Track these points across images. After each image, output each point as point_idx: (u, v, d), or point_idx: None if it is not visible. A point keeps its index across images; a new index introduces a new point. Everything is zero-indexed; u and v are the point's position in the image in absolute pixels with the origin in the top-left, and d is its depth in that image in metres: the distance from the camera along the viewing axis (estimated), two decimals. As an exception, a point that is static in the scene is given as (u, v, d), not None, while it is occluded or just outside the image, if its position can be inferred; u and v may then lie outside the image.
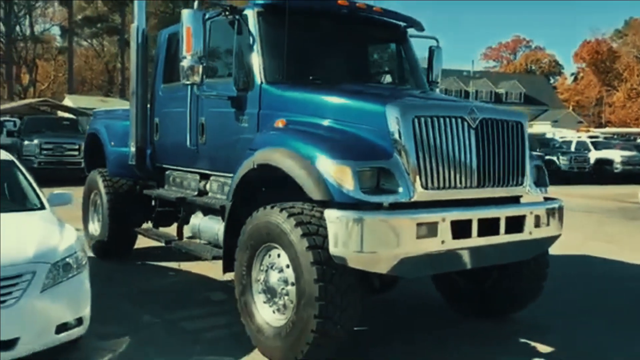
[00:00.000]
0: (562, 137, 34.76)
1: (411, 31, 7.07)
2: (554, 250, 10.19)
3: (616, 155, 28.66)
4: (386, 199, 4.60)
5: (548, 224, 5.43)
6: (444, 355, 5.33)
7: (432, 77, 7.31)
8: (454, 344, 5.59)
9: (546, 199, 5.79)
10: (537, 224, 5.31)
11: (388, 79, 7.16)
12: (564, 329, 6.13)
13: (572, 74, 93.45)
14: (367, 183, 4.55)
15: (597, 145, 30.35)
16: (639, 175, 26.91)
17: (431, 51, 7.31)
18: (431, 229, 4.56)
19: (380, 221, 4.45)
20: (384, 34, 6.92)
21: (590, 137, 34.89)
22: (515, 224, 5.15)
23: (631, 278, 8.70)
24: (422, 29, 6.95)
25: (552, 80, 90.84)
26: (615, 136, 40.08)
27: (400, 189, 4.63)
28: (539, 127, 57.73)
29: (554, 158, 27.62)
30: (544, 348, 5.56)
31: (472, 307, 6.31)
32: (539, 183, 5.72)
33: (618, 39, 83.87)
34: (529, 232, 5.24)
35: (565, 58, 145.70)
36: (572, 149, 30.42)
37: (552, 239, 5.64)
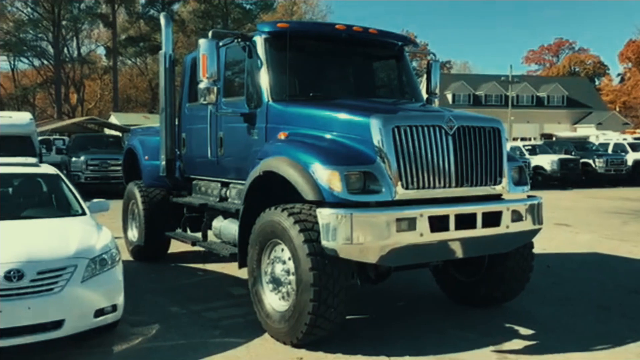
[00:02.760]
0: (607, 140, 34.13)
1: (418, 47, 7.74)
2: (562, 247, 10.69)
3: (655, 157, 28.06)
4: (370, 199, 5.31)
5: (525, 219, 6.02)
6: (436, 337, 5.92)
7: (432, 89, 7.97)
8: (445, 328, 6.19)
9: (529, 196, 6.38)
10: (514, 219, 5.91)
11: (388, 93, 7.80)
12: (547, 316, 6.66)
13: (619, 75, 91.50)
14: (353, 185, 5.27)
15: (636, 147, 29.78)
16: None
17: (429, 64, 7.97)
18: (410, 224, 5.25)
19: (365, 217, 5.14)
20: (381, 52, 7.58)
21: (636, 138, 34.22)
22: (493, 218, 5.76)
23: (626, 271, 9.12)
24: (416, 46, 7.63)
25: (598, 82, 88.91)
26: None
27: (384, 190, 5.33)
28: (583, 130, 56.68)
29: (590, 161, 27.55)
30: (525, 331, 6.13)
31: (467, 297, 6.92)
32: (519, 182, 6.32)
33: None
34: (506, 226, 5.84)
35: (610, 59, 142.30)
36: (610, 151, 30.15)
37: (531, 233, 6.20)
